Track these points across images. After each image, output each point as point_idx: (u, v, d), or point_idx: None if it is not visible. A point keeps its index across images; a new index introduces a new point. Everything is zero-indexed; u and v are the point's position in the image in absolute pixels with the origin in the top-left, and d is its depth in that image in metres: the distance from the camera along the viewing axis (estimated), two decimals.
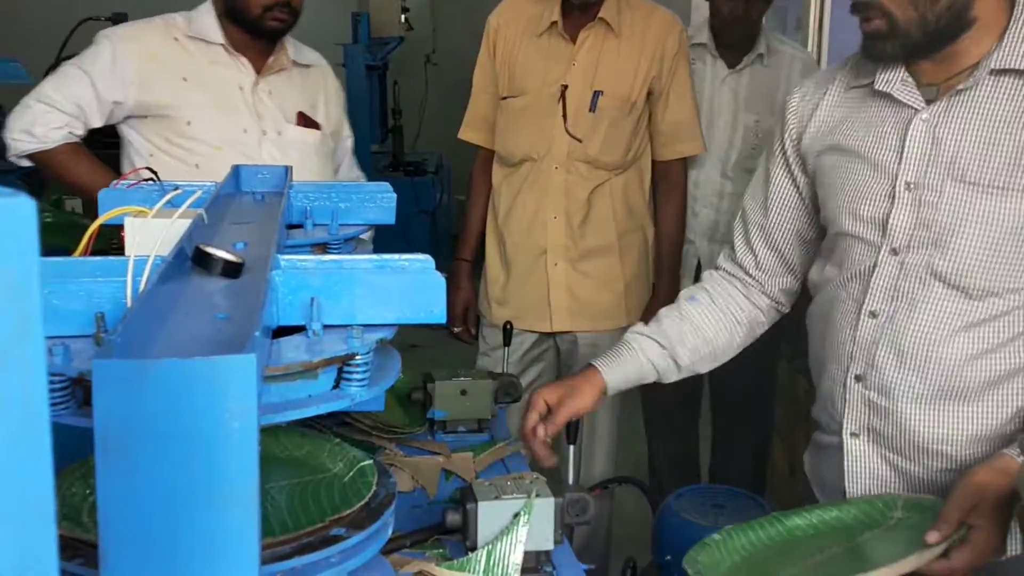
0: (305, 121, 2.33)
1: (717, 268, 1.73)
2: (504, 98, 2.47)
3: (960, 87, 1.34)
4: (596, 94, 2.38)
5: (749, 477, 2.95)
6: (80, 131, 2.21)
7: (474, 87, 2.58)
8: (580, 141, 2.38)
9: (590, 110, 2.38)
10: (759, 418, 3.00)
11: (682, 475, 2.98)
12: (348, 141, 2.53)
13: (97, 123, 2.22)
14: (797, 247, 1.63)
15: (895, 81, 1.40)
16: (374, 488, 0.98)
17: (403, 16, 5.78)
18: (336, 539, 0.88)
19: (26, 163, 2.21)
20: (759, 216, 1.65)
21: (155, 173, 1.38)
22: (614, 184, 2.44)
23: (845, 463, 1.48)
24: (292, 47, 2.34)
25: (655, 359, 1.62)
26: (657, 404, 2.98)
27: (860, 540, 1.31)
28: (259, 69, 2.27)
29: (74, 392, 0.79)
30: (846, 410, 1.47)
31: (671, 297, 2.57)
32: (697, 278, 2.62)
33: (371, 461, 1.04)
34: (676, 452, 3.04)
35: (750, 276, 1.67)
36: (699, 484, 2.61)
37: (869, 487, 1.47)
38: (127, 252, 1.02)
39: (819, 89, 1.55)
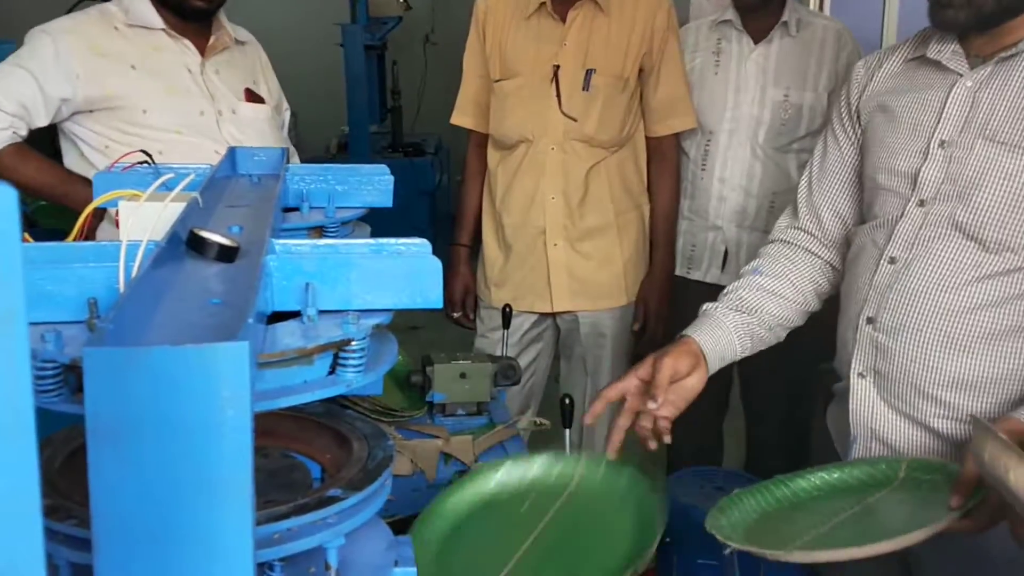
0: (252, 97, 2.32)
1: (772, 241, 1.76)
2: (496, 81, 2.46)
3: (1004, 55, 1.44)
4: (589, 72, 2.37)
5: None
6: (24, 131, 2.11)
7: (464, 71, 2.56)
8: (575, 120, 2.37)
9: (584, 89, 2.36)
10: (793, 417, 2.76)
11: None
12: (286, 114, 2.52)
13: (43, 122, 2.11)
14: (854, 209, 1.68)
15: (947, 52, 1.50)
16: (369, 449, 0.96)
17: None
18: (333, 500, 0.87)
19: None
20: (824, 179, 1.70)
21: (149, 156, 1.36)
22: (610, 163, 2.43)
23: (851, 403, 1.54)
24: (228, 25, 2.32)
25: (752, 330, 1.61)
26: None
27: (871, 501, 1.34)
28: (202, 50, 2.24)
29: (67, 379, 0.78)
30: (856, 350, 1.54)
31: (667, 271, 2.56)
32: (724, 267, 2.59)
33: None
34: (696, 444, 2.92)
35: (813, 238, 1.71)
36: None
37: (872, 427, 1.53)
38: (120, 236, 1.01)
39: (882, 59, 1.65)
